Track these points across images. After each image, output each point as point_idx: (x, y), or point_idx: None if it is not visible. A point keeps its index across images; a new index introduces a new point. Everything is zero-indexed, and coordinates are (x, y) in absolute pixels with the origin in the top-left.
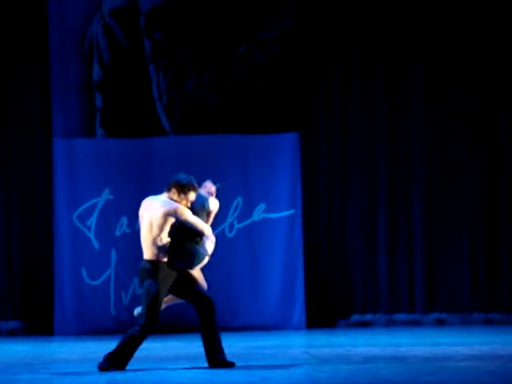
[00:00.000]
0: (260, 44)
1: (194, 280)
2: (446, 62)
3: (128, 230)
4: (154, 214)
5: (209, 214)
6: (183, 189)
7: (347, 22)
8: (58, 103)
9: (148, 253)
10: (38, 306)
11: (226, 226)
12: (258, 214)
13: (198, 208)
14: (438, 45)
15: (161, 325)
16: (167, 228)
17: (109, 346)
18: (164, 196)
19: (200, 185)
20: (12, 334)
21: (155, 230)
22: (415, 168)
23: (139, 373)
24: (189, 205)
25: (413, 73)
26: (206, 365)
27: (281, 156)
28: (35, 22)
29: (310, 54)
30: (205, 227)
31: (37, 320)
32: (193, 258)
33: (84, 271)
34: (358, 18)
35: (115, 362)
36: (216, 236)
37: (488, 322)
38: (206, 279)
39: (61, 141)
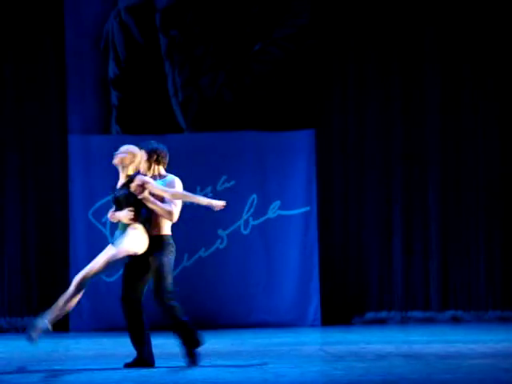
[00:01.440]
0: (276, 41)
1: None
2: (464, 58)
3: None
4: None
5: None
6: None
7: (363, 19)
8: (73, 100)
9: None
10: (53, 302)
11: (241, 223)
12: (274, 211)
13: None
14: (455, 42)
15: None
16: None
17: (124, 342)
18: None
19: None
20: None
21: None
22: (431, 165)
23: (154, 369)
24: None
25: (429, 69)
26: (223, 362)
27: (296, 153)
28: (51, 19)
29: (326, 51)
30: None
31: None
32: None
33: None
34: (374, 15)
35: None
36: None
37: (503, 320)
38: (221, 276)
39: (76, 137)
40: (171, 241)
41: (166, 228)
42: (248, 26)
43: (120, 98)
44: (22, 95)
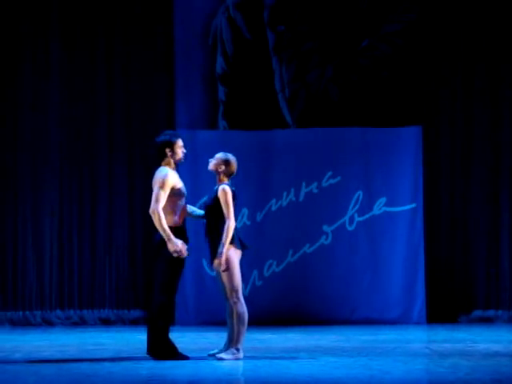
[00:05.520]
0: (384, 37)
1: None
2: None
3: (248, 222)
4: None
5: None
6: None
7: (472, 15)
8: (181, 95)
9: None
10: None
11: (346, 219)
12: (379, 207)
13: None
14: None
15: (281, 317)
16: None
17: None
18: None
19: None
20: (134, 323)
21: None
22: None
23: (259, 363)
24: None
25: None
26: (328, 358)
27: (403, 149)
28: (161, 16)
29: (434, 46)
30: None
31: None
32: None
33: (205, 262)
34: (484, 11)
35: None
36: None
37: None
38: (326, 272)
39: (184, 132)
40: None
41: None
42: (356, 22)
43: (227, 94)
44: (130, 89)
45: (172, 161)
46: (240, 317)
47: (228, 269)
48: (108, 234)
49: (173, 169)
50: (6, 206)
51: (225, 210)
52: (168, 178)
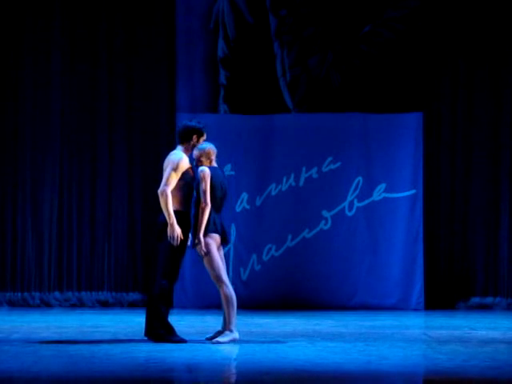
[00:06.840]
0: (386, 22)
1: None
2: None
3: (248, 207)
4: None
5: None
6: None
7: (476, 2)
8: (182, 78)
9: None
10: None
11: (345, 204)
12: (379, 193)
13: None
14: None
15: (279, 301)
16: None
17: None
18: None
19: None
20: (132, 305)
21: None
22: None
23: (256, 348)
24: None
25: None
26: (325, 343)
27: (403, 136)
28: None
29: (436, 33)
30: None
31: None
32: None
33: None
34: None
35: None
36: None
37: None
38: (325, 257)
39: (185, 115)
40: None
41: None
42: (359, 7)
43: (228, 78)
44: (132, 73)
45: (190, 147)
46: (227, 299)
47: (207, 254)
48: (107, 215)
49: (187, 154)
50: (6, 187)
51: (201, 194)
52: (183, 162)
